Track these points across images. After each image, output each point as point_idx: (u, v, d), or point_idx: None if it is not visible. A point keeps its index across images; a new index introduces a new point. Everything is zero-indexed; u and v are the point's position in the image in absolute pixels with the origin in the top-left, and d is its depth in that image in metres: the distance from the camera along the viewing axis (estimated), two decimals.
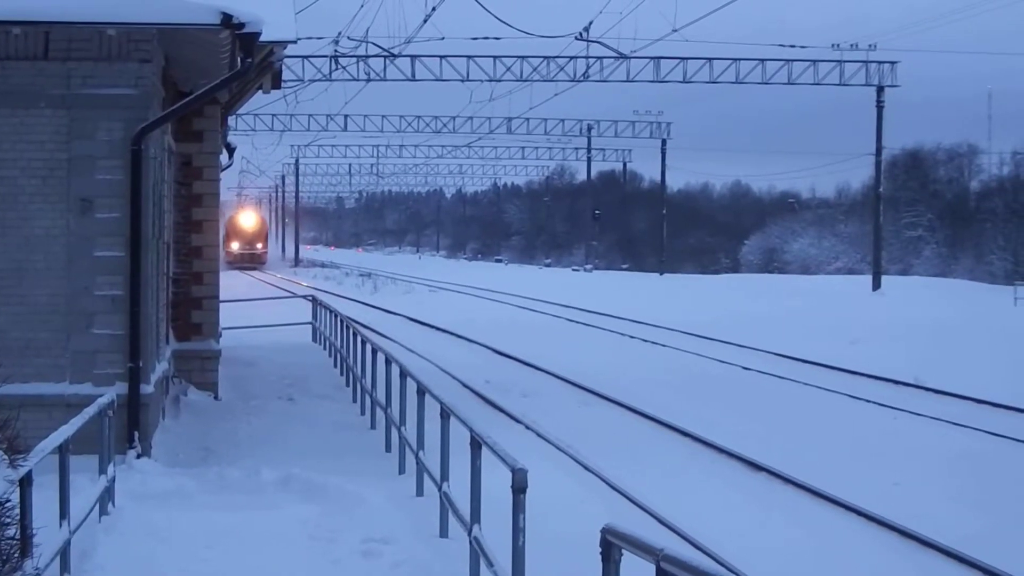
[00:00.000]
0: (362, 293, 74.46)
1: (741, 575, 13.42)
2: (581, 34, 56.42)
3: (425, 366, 31.77)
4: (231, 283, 57.00)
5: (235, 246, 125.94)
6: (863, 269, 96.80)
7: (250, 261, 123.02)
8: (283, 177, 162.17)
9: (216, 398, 25.00)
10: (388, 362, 20.23)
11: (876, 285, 73.88)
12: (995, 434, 23.81)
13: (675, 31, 50.08)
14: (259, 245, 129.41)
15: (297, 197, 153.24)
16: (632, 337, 44.44)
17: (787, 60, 72.84)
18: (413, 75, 70.15)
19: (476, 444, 12.09)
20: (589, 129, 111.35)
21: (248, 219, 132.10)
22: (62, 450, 11.66)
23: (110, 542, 13.23)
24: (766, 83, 73.58)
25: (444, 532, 14.14)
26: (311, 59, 67.30)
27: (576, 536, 12.03)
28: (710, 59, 72.46)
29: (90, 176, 17.45)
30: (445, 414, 14.23)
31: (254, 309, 46.88)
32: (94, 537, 13.22)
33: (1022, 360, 36.28)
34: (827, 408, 27.49)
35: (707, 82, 73.28)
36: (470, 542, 11.85)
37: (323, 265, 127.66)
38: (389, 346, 31.59)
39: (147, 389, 17.69)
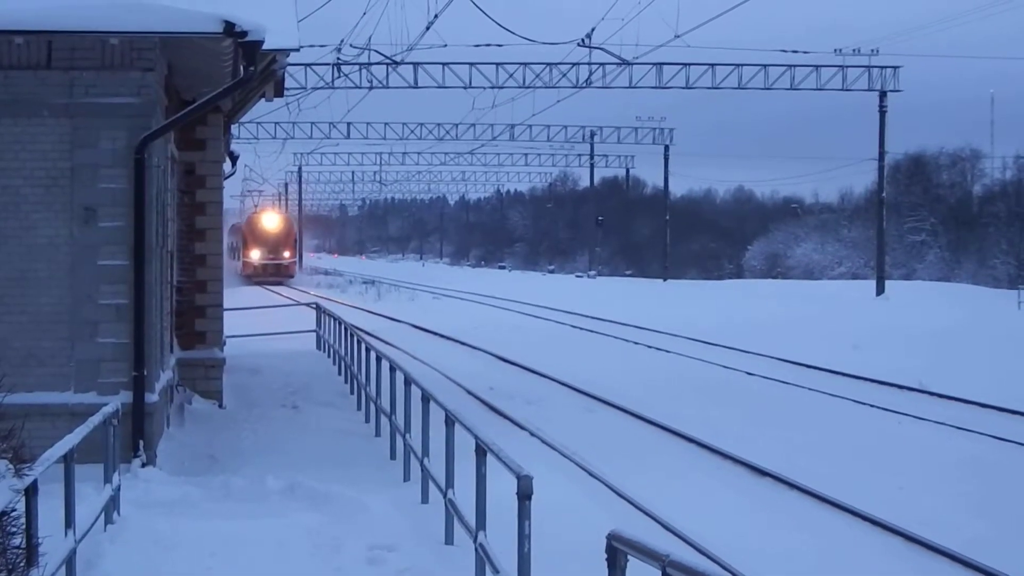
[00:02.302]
0: (366, 300, 74.47)
1: None
2: (583, 40, 56.50)
3: (429, 373, 31.76)
4: (236, 292, 56.90)
5: (255, 255, 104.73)
6: (866, 274, 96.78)
7: (275, 274, 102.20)
8: (286, 185, 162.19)
9: (220, 406, 25.00)
10: (392, 369, 20.24)
11: (880, 290, 73.80)
12: (999, 438, 23.81)
13: (677, 37, 50.14)
14: (286, 254, 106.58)
15: (300, 205, 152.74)
16: (636, 343, 44.42)
17: (789, 65, 72.84)
18: (416, 82, 70.16)
19: (481, 451, 12.08)
20: (592, 135, 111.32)
21: (271, 221, 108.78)
22: (67, 459, 11.66)
23: (115, 551, 13.24)
24: (769, 88, 73.59)
25: (449, 539, 14.14)
26: (314, 67, 67.34)
27: (582, 542, 12.02)
28: (712, 65, 72.45)
29: (93, 185, 17.47)
30: (450, 421, 14.24)
31: (258, 317, 46.89)
32: (99, 546, 13.23)
33: None
34: (832, 413, 27.47)
35: (709, 88, 73.28)
36: (476, 549, 11.85)
37: (326, 273, 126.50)
38: (393, 353, 31.58)
39: (152, 398, 17.69)
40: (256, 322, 44.29)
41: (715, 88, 73.32)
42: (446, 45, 56.16)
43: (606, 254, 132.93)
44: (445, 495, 14.03)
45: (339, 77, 68.20)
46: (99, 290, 17.49)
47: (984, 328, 48.49)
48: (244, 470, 18.12)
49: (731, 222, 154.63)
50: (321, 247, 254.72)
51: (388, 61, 63.25)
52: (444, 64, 69.86)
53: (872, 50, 73.52)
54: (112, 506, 14.48)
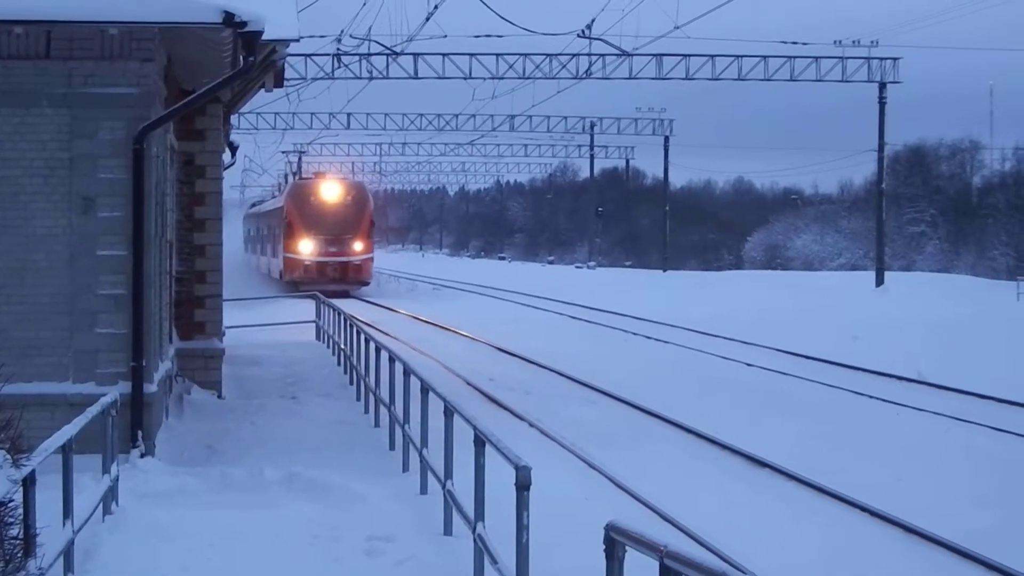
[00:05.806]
0: (365, 291, 74.42)
1: (745, 571, 13.41)
2: (583, 31, 56.50)
3: (428, 364, 31.76)
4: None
5: (307, 248, 69.33)
6: (866, 265, 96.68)
7: (340, 280, 68.32)
8: (286, 176, 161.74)
9: (219, 397, 24.99)
10: (391, 360, 20.23)
11: (879, 281, 73.78)
12: (998, 429, 23.82)
13: (677, 28, 50.12)
14: (357, 245, 70.38)
15: None
16: (636, 334, 44.43)
17: (789, 57, 72.67)
18: (415, 73, 70.04)
19: (480, 442, 12.08)
20: (592, 126, 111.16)
21: (332, 192, 71.89)
22: (65, 449, 11.65)
23: (114, 541, 13.24)
24: (768, 80, 73.36)
25: (448, 530, 14.13)
26: (313, 57, 67.21)
27: (580, 533, 12.02)
28: (712, 56, 72.33)
29: (92, 175, 17.44)
30: (448, 412, 14.23)
31: (257, 308, 46.88)
32: (98, 536, 13.23)
33: None
34: (831, 404, 27.48)
35: (709, 79, 73.12)
36: (474, 540, 11.85)
37: None
38: (392, 344, 31.56)
39: (150, 388, 17.68)
40: (255, 313, 44.29)
41: (715, 79, 73.16)
42: (446, 36, 56.22)
43: (606, 245, 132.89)
44: (444, 486, 14.03)
45: (339, 68, 68.08)
46: (98, 280, 17.46)
47: (983, 319, 48.51)
48: (243, 461, 18.11)
49: (731, 213, 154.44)
50: None
51: (388, 52, 63.13)
52: (444, 55, 69.74)
53: (872, 42, 73.46)
54: (110, 496, 14.48)
